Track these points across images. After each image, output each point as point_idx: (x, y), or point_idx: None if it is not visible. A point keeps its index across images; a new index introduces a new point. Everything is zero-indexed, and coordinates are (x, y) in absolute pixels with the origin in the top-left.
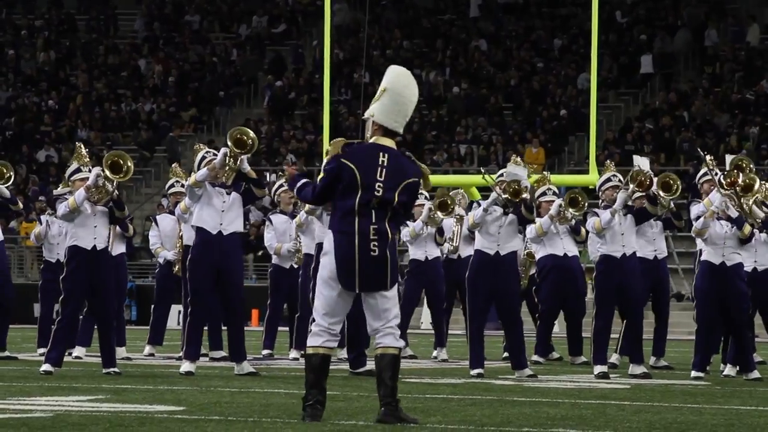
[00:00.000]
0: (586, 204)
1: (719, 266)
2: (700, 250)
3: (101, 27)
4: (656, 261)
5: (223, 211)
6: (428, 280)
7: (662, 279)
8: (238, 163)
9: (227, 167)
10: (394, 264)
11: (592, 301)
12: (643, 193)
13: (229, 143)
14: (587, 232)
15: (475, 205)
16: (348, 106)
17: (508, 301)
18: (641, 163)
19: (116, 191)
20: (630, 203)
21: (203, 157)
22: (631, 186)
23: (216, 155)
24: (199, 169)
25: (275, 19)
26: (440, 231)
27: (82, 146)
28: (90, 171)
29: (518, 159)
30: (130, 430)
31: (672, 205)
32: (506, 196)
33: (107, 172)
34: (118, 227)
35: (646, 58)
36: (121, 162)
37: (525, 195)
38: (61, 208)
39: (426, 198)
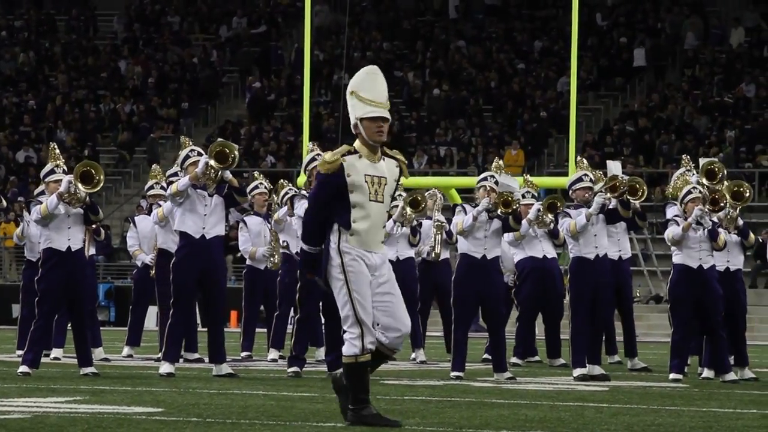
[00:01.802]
0: (565, 206)
1: (696, 270)
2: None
3: (81, 28)
4: (620, 262)
5: (205, 215)
6: (400, 280)
7: (626, 280)
8: (219, 174)
9: (207, 177)
10: None
11: (568, 304)
12: (617, 198)
13: (211, 162)
14: None
15: (458, 209)
16: (328, 107)
17: (493, 304)
18: (614, 168)
19: (88, 197)
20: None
21: (187, 156)
22: (608, 194)
23: (200, 154)
24: (182, 167)
25: (255, 20)
26: (413, 231)
27: (56, 147)
28: (64, 172)
29: (500, 162)
30: (109, 431)
31: (637, 205)
32: (501, 209)
33: (78, 184)
34: (92, 229)
35: (638, 51)
36: (93, 172)
37: (516, 206)
38: (34, 212)
39: (400, 197)
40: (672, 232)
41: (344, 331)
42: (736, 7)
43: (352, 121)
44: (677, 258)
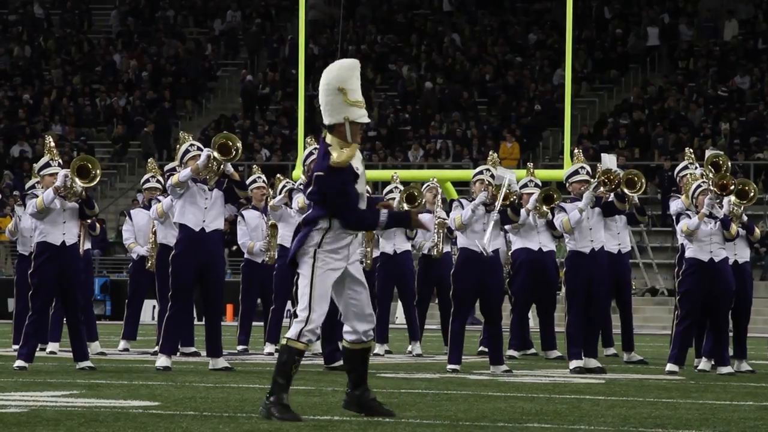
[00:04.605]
0: (561, 200)
1: (708, 263)
2: (682, 245)
3: (76, 22)
4: (620, 255)
5: (205, 208)
6: (398, 273)
7: (625, 273)
8: (221, 167)
9: (209, 170)
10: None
11: (563, 297)
12: (610, 192)
13: (214, 153)
14: None
15: (455, 204)
16: None
17: (491, 297)
18: (609, 161)
19: (84, 191)
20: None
21: (186, 150)
22: (601, 188)
23: (200, 149)
24: (181, 162)
25: (250, 13)
26: None
27: (52, 140)
28: (60, 165)
29: (495, 156)
30: (105, 425)
31: (636, 200)
32: (502, 202)
33: (75, 178)
34: (88, 224)
35: (652, 30)
36: (90, 166)
37: (513, 198)
38: (30, 206)
39: (397, 189)
40: (687, 223)
41: (295, 314)
42: (731, 0)
43: (337, 118)
44: (689, 252)
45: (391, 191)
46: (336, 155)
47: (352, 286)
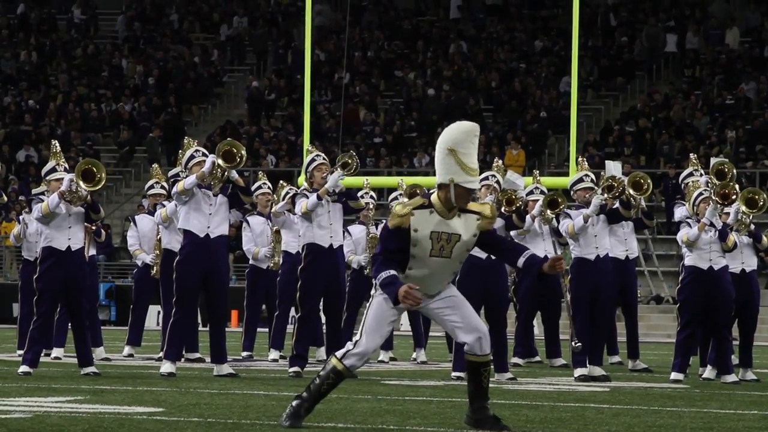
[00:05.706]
0: (566, 206)
1: (707, 271)
2: (684, 254)
3: (82, 27)
4: (626, 261)
5: (210, 214)
6: None
7: (631, 280)
8: (226, 174)
9: (213, 176)
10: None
11: (568, 304)
12: (614, 198)
13: (219, 161)
14: None
15: None
16: (328, 107)
17: (496, 304)
18: (613, 168)
19: (90, 196)
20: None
21: (191, 156)
22: (606, 194)
23: (205, 155)
24: (186, 167)
25: (256, 19)
26: None
27: (57, 144)
28: (66, 170)
29: (500, 162)
30: (110, 431)
31: (643, 204)
32: (504, 207)
33: (79, 182)
34: (93, 230)
35: (671, 36)
36: (95, 170)
37: (519, 204)
38: (36, 211)
39: (401, 195)
40: (687, 233)
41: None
42: (736, 7)
43: (444, 178)
44: (688, 260)
45: (396, 197)
46: (398, 208)
47: (444, 313)
